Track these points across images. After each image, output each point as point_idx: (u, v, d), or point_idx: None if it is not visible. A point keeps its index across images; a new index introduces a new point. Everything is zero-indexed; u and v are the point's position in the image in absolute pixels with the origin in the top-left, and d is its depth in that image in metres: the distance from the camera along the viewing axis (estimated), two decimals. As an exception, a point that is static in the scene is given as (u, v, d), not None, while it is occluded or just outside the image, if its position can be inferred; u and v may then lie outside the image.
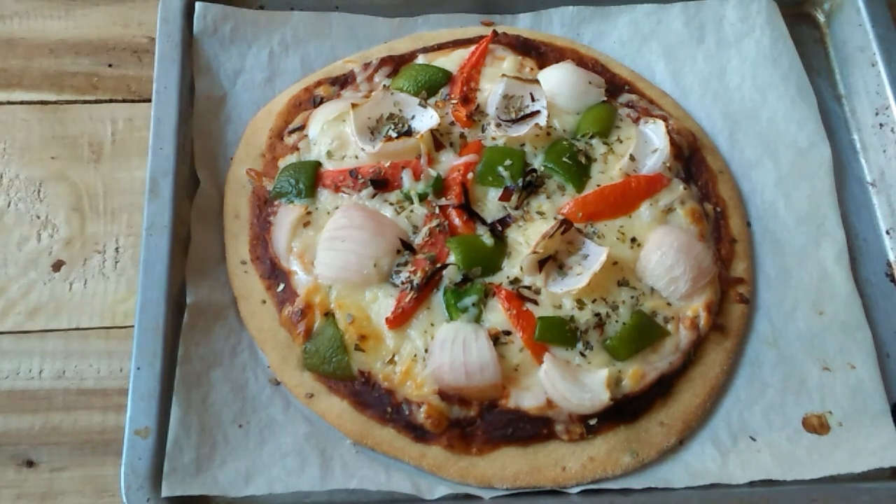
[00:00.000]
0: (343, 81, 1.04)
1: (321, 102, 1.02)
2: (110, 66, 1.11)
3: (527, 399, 0.87)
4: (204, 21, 1.06)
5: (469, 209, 0.93)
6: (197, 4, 1.06)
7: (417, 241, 0.92)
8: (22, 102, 1.08)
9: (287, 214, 0.94)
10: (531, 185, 0.95)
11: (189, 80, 1.02)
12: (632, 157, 0.98)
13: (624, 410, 0.88)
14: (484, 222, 0.93)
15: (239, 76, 1.06)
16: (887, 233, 1.04)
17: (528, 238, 0.92)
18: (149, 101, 0.99)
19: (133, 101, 1.09)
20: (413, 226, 0.93)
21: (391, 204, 0.94)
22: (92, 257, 1.00)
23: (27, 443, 0.91)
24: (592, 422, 0.87)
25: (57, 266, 0.99)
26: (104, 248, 1.01)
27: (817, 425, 0.91)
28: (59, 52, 1.11)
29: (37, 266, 0.99)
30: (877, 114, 1.09)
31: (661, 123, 1.00)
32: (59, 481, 0.90)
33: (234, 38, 1.07)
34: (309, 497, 0.86)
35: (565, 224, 0.90)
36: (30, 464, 0.91)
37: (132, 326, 0.88)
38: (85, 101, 1.09)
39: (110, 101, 1.09)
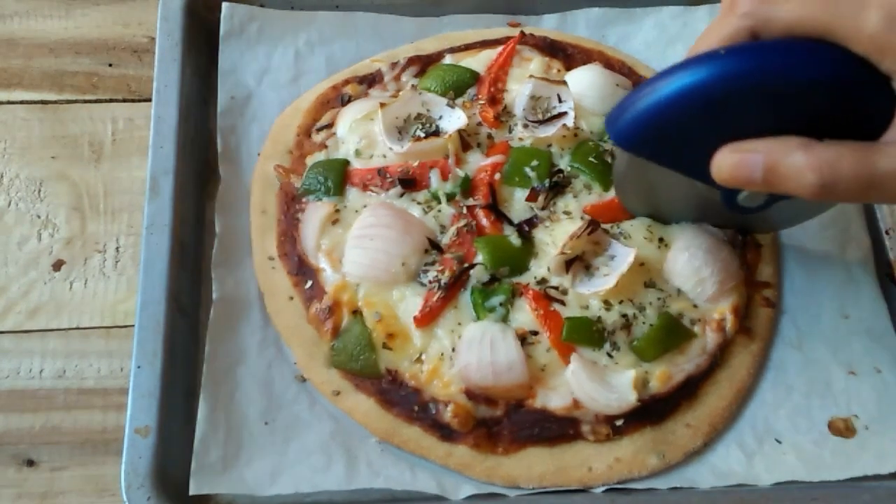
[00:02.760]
0: (370, 80, 1.04)
1: (349, 101, 1.02)
2: (110, 65, 1.11)
3: (553, 399, 0.87)
4: (231, 21, 1.07)
5: (496, 209, 0.94)
6: (224, 5, 1.06)
7: (445, 240, 0.92)
8: (22, 102, 1.09)
9: (316, 211, 0.95)
10: (558, 186, 0.95)
11: (189, 78, 1.02)
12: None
13: (650, 412, 0.88)
14: (511, 223, 0.93)
15: (265, 75, 1.07)
16: (887, 233, 1.04)
17: (555, 238, 0.92)
18: (149, 100, 0.99)
19: (133, 100, 1.09)
20: (440, 225, 0.93)
21: (419, 203, 0.94)
22: (92, 257, 1.00)
23: (27, 442, 0.92)
24: (619, 423, 0.87)
25: (57, 266, 1.00)
26: (104, 248, 1.01)
27: (843, 428, 0.91)
28: (59, 52, 1.12)
29: (37, 265, 1.00)
30: None
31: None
32: (60, 481, 0.90)
33: (260, 38, 1.07)
34: (309, 497, 0.86)
35: (592, 224, 0.90)
36: (30, 463, 0.91)
37: (132, 326, 0.88)
38: (85, 101, 1.09)
39: (110, 100, 1.09)
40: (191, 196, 0.98)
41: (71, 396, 0.94)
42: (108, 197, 1.04)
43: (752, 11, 0.70)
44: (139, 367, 0.86)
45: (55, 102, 1.09)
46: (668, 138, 0.76)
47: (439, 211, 0.94)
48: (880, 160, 0.65)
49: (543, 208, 0.95)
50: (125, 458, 0.83)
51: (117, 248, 1.01)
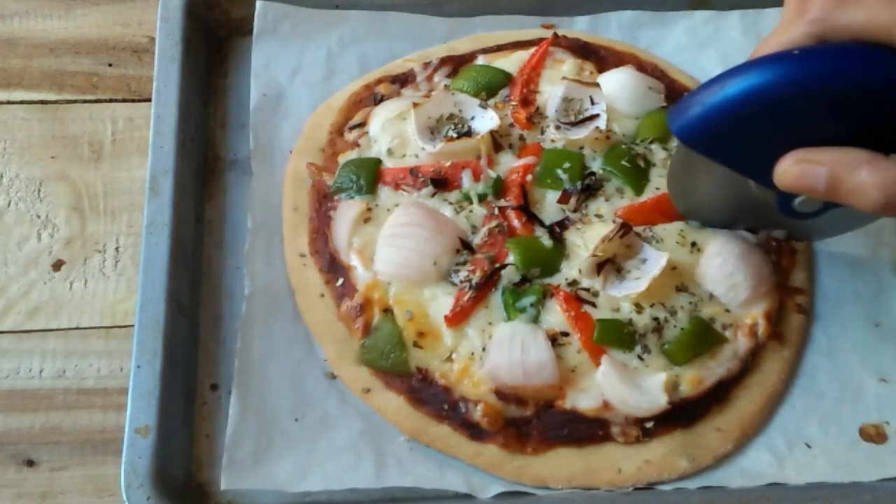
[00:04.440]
0: (403, 80, 1.05)
1: (382, 100, 1.02)
2: (110, 65, 1.12)
3: (583, 400, 0.87)
4: (264, 19, 1.07)
5: (528, 211, 0.94)
6: (258, 3, 1.07)
7: (476, 240, 0.93)
8: (22, 102, 1.09)
9: (348, 209, 0.95)
10: (590, 188, 0.95)
11: (189, 78, 1.02)
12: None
13: (680, 415, 0.88)
14: (542, 224, 0.94)
15: (297, 73, 1.07)
16: None
17: (586, 240, 0.92)
18: (149, 100, 0.99)
19: (133, 100, 1.09)
20: (472, 226, 0.93)
21: (450, 203, 0.94)
22: (92, 257, 1.01)
23: (27, 442, 0.92)
24: (649, 425, 0.87)
25: (57, 265, 1.00)
26: (104, 248, 1.01)
27: (874, 434, 0.91)
28: (59, 52, 1.12)
29: (37, 265, 1.00)
30: None
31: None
32: (60, 480, 0.91)
33: (292, 37, 1.08)
34: (309, 496, 0.86)
35: (624, 227, 0.90)
36: (30, 463, 0.91)
37: (132, 326, 0.89)
38: (85, 101, 1.09)
39: (110, 100, 1.10)
40: (190, 196, 0.98)
41: (71, 396, 0.94)
42: (107, 197, 1.04)
43: (821, 17, 0.70)
44: (139, 366, 0.86)
45: (55, 102, 1.09)
46: (731, 138, 0.76)
47: (471, 211, 0.94)
48: None
49: (575, 210, 0.95)
50: (125, 457, 0.83)
51: (117, 248, 1.01)
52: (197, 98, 1.04)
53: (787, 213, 0.84)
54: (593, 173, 0.96)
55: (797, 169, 0.71)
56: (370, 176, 0.96)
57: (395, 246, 0.91)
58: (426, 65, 1.05)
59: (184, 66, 1.01)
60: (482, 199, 0.94)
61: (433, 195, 0.94)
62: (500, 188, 0.95)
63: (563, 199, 0.95)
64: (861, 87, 0.68)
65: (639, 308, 0.89)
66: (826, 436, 0.91)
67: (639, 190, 0.96)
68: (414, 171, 0.95)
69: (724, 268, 0.91)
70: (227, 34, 1.11)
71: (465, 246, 0.92)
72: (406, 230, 0.91)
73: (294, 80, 1.07)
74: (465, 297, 0.89)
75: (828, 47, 0.70)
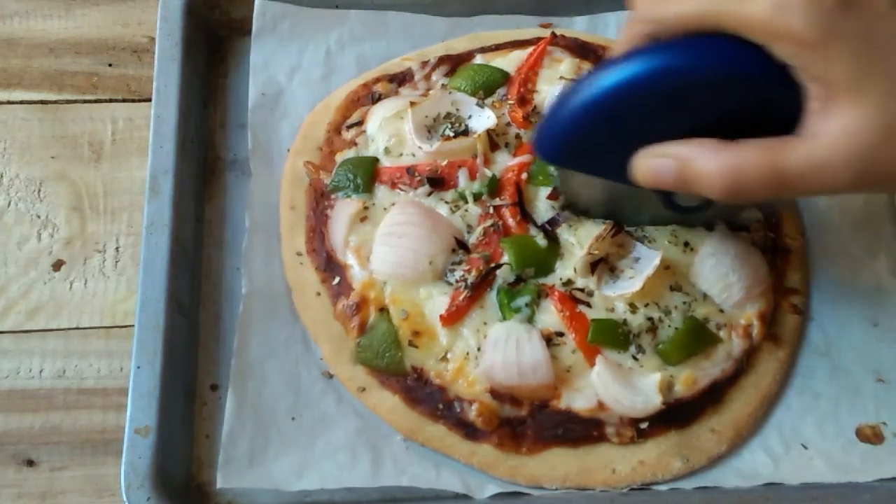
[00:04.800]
0: (401, 79, 1.04)
1: (379, 99, 1.02)
2: (110, 65, 1.12)
3: (578, 400, 0.87)
4: (263, 18, 1.07)
5: (522, 208, 0.94)
6: (257, 2, 1.07)
7: (472, 240, 0.93)
8: (22, 102, 1.09)
9: (345, 208, 0.95)
10: None
11: (189, 78, 1.02)
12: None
13: (675, 416, 0.88)
14: (535, 223, 0.94)
15: (296, 72, 1.07)
16: None
17: (580, 240, 0.92)
18: (149, 100, 0.99)
19: (133, 100, 1.10)
20: (467, 225, 0.93)
21: (446, 203, 0.94)
22: (92, 257, 1.01)
23: (27, 442, 0.92)
24: (643, 425, 0.87)
25: (57, 266, 1.00)
26: (104, 248, 1.01)
27: (871, 435, 0.91)
28: (59, 52, 1.12)
29: (37, 265, 1.00)
30: None
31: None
32: (60, 480, 0.91)
33: (291, 36, 1.08)
34: (309, 496, 0.87)
35: (616, 226, 0.90)
36: (30, 463, 0.91)
37: (132, 326, 0.89)
38: (85, 101, 1.09)
39: (110, 100, 1.10)
40: (191, 196, 0.98)
41: (71, 396, 0.94)
42: (107, 197, 1.04)
43: (644, 16, 0.69)
44: (139, 367, 0.87)
45: (55, 102, 1.09)
46: (587, 149, 0.77)
47: (466, 210, 0.94)
48: (788, 157, 0.64)
49: (564, 208, 0.94)
50: (125, 458, 0.84)
51: (117, 248, 1.01)
52: (197, 98, 1.05)
53: (673, 209, 0.84)
54: None
55: (647, 165, 0.72)
56: (367, 175, 0.96)
57: (390, 245, 0.91)
58: (424, 64, 1.05)
59: (184, 66, 1.02)
60: (477, 197, 0.94)
61: (429, 194, 0.94)
62: (495, 187, 0.95)
63: (553, 196, 0.95)
64: (694, 80, 0.68)
65: (633, 308, 0.89)
66: (822, 436, 0.90)
67: (634, 190, 0.95)
68: (411, 171, 0.95)
69: (718, 268, 0.91)
70: (227, 34, 1.11)
71: (461, 245, 0.92)
72: (402, 229, 0.91)
73: (293, 79, 1.07)
74: (461, 297, 0.89)
75: (660, 45, 0.69)
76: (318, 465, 0.86)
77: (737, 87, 0.68)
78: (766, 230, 0.97)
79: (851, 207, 1.02)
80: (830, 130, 0.63)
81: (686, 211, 0.85)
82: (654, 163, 0.71)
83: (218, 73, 1.09)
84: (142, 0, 1.15)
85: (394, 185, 0.95)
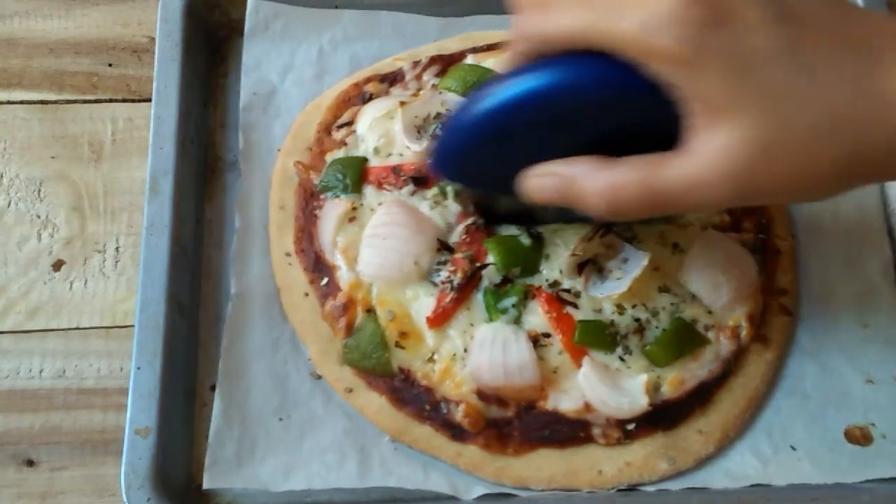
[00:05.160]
0: (392, 79, 1.04)
1: (370, 99, 1.02)
2: (110, 65, 1.12)
3: (565, 401, 0.87)
4: (256, 17, 1.07)
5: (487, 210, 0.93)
6: (249, 2, 1.07)
7: (454, 238, 0.92)
8: (22, 102, 1.09)
9: (333, 209, 0.95)
10: None
11: (189, 78, 1.02)
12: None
13: (662, 417, 0.88)
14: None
15: (288, 72, 1.07)
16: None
17: (565, 240, 0.91)
18: (149, 100, 0.99)
19: (133, 100, 1.10)
20: (447, 223, 0.93)
21: (426, 199, 0.94)
22: (92, 257, 1.01)
23: (27, 442, 0.92)
24: (630, 427, 0.87)
25: (57, 266, 1.00)
26: (104, 248, 1.02)
27: (860, 436, 0.90)
28: (59, 52, 1.12)
29: (37, 265, 1.01)
30: None
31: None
32: (60, 481, 0.91)
33: (284, 35, 1.08)
34: (310, 496, 0.87)
35: (604, 228, 0.90)
36: (30, 463, 0.91)
37: (132, 326, 0.89)
38: (85, 101, 1.09)
39: (110, 100, 1.10)
40: (190, 196, 0.98)
41: (71, 396, 0.95)
42: (108, 197, 1.04)
43: (524, 33, 0.69)
44: (139, 367, 0.87)
45: (55, 102, 1.09)
46: (478, 166, 0.77)
47: (446, 206, 0.93)
48: (665, 176, 0.64)
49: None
50: (125, 458, 0.84)
51: (117, 248, 1.02)
52: (197, 98, 1.05)
53: (577, 218, 0.84)
54: None
55: (533, 183, 0.72)
56: (356, 175, 0.96)
57: (374, 246, 0.91)
58: (415, 64, 1.05)
59: (184, 67, 1.02)
60: (458, 195, 0.93)
61: (413, 193, 0.94)
62: None
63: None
64: (572, 99, 0.67)
65: (620, 309, 0.89)
66: (811, 438, 0.90)
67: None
68: (396, 170, 0.95)
69: (707, 269, 0.90)
70: (227, 35, 1.11)
71: (444, 246, 0.92)
72: (386, 230, 0.91)
73: (285, 79, 1.07)
74: (447, 299, 0.89)
75: (538, 65, 0.68)
76: (306, 465, 0.86)
77: (617, 104, 0.67)
78: (756, 231, 0.97)
79: (843, 209, 1.02)
80: (706, 149, 0.62)
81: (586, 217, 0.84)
82: (540, 182, 0.71)
83: (218, 73, 1.09)
84: (142, 0, 1.15)
85: (380, 185, 0.95)
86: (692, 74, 0.60)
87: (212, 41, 1.10)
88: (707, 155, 0.62)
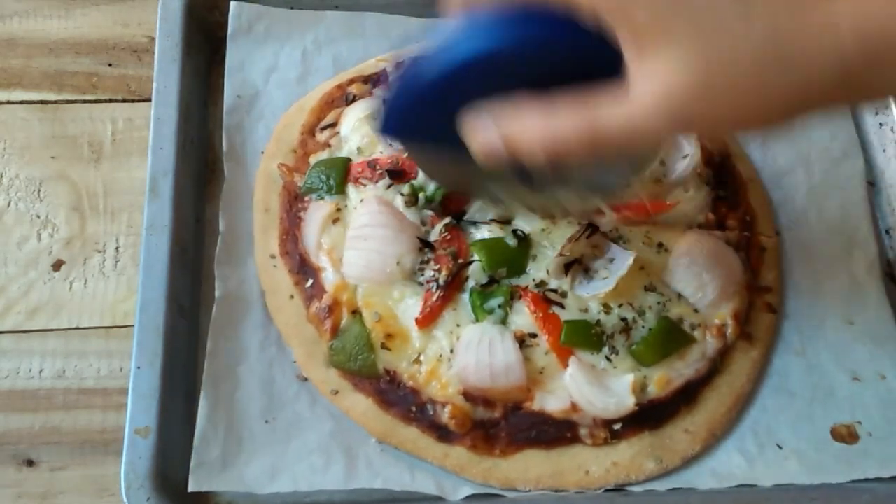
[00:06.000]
0: (376, 80, 1.04)
1: (354, 100, 1.02)
2: (110, 65, 1.12)
3: (551, 402, 0.87)
4: (238, 20, 1.07)
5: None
6: (231, 4, 1.07)
7: (434, 237, 0.92)
8: (22, 102, 1.09)
9: (317, 210, 0.95)
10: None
11: (189, 79, 1.02)
12: (662, 162, 0.97)
13: (649, 416, 0.88)
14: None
15: (272, 74, 1.07)
16: (887, 232, 1.04)
17: (552, 241, 0.91)
18: (149, 100, 0.99)
19: (133, 100, 1.09)
20: (421, 221, 0.93)
21: (402, 195, 0.93)
22: (92, 257, 1.01)
23: (27, 442, 0.92)
24: (617, 427, 0.87)
25: (57, 266, 1.00)
26: (104, 248, 1.01)
27: (846, 435, 0.90)
28: (59, 52, 1.12)
29: (37, 265, 1.00)
30: (876, 113, 1.08)
31: (692, 129, 0.99)
32: (60, 481, 0.91)
33: (267, 37, 1.08)
34: (308, 497, 0.86)
35: (591, 228, 0.90)
36: (30, 463, 0.91)
37: (132, 326, 0.89)
38: (85, 101, 1.09)
39: (110, 100, 1.10)
40: (190, 197, 0.98)
41: (71, 396, 0.94)
42: (107, 197, 1.04)
43: None
44: (139, 367, 0.86)
45: (55, 102, 1.09)
46: (424, 126, 0.75)
47: (421, 203, 0.93)
48: (604, 114, 0.61)
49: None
50: (125, 458, 0.83)
51: (117, 248, 1.01)
52: (197, 99, 1.05)
53: (532, 186, 0.82)
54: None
55: (477, 137, 0.69)
56: (340, 176, 0.96)
57: (357, 248, 0.91)
58: (399, 64, 1.04)
59: (184, 67, 1.01)
60: (428, 200, 0.93)
61: (389, 186, 0.94)
62: None
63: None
64: (511, 52, 0.66)
65: (607, 309, 0.89)
66: (797, 436, 0.90)
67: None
68: (372, 164, 0.95)
69: (692, 268, 0.91)
70: (227, 35, 1.10)
71: (426, 244, 0.91)
72: (368, 231, 0.91)
73: (269, 81, 1.06)
74: (434, 298, 0.89)
75: (469, 23, 0.67)
76: (292, 467, 0.86)
77: (557, 50, 0.65)
78: (741, 228, 0.97)
79: (828, 206, 1.02)
80: (644, 80, 0.60)
81: (545, 186, 0.82)
82: (482, 134, 0.68)
83: (218, 73, 1.08)
84: (142, 0, 1.15)
85: (356, 181, 0.95)
86: (621, 6, 0.59)
87: (212, 41, 1.09)
88: (644, 87, 0.60)
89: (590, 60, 0.64)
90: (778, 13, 0.57)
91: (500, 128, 0.67)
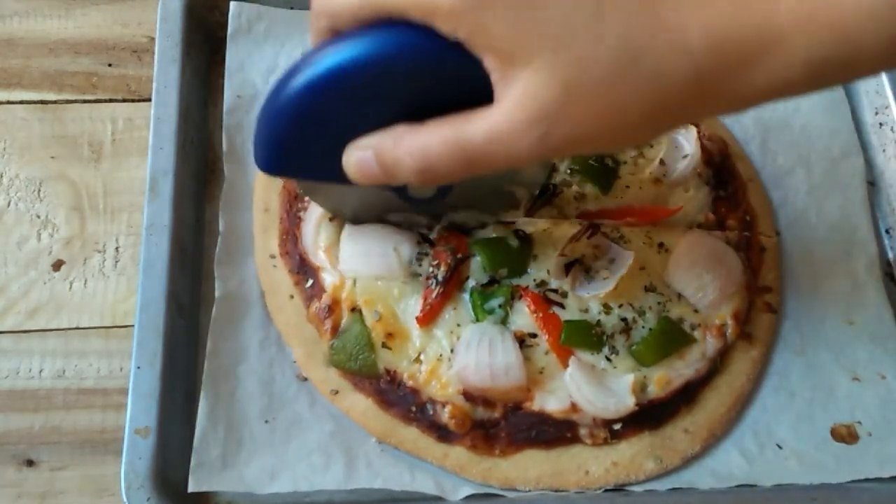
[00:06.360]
0: (375, 80, 1.04)
1: (353, 99, 1.02)
2: (110, 65, 1.12)
3: (551, 402, 0.87)
4: (238, 20, 1.07)
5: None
6: (231, 4, 1.07)
7: (433, 235, 0.92)
8: (22, 102, 1.09)
9: (317, 209, 0.94)
10: (543, 195, 0.94)
11: (189, 79, 1.02)
12: (661, 162, 0.97)
13: (649, 416, 0.88)
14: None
15: (272, 74, 1.06)
16: (887, 232, 1.04)
17: (553, 241, 0.92)
18: (149, 100, 0.99)
19: (133, 100, 1.09)
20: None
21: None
22: (92, 257, 1.01)
23: (27, 442, 0.92)
24: (617, 427, 0.87)
25: (57, 265, 1.00)
26: (104, 248, 1.01)
27: (846, 435, 0.90)
28: (59, 52, 1.12)
29: (37, 265, 1.00)
30: (876, 113, 1.08)
31: (692, 129, 0.99)
32: (59, 481, 0.90)
33: (267, 38, 1.08)
34: (308, 497, 0.86)
35: (592, 228, 0.90)
36: (30, 463, 0.91)
37: (132, 326, 0.88)
38: (85, 101, 1.09)
39: (110, 100, 1.10)
40: (190, 197, 0.98)
41: (71, 396, 0.94)
42: (107, 197, 1.04)
43: (320, 9, 0.67)
44: (139, 367, 0.86)
45: (55, 102, 1.09)
46: (301, 158, 0.75)
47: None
48: (471, 130, 0.62)
49: (526, 214, 0.94)
50: (125, 458, 0.83)
51: (117, 248, 1.01)
52: (197, 99, 1.04)
53: (413, 204, 0.83)
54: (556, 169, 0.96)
55: (353, 160, 0.70)
56: (339, 175, 0.95)
57: (355, 240, 0.91)
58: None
59: (184, 67, 1.01)
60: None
61: None
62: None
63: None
64: (373, 71, 0.66)
65: (607, 309, 0.89)
66: (797, 436, 0.90)
67: (606, 189, 0.96)
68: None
69: (692, 268, 0.91)
70: (227, 35, 1.10)
71: (425, 239, 0.91)
72: (365, 225, 0.92)
73: (269, 81, 1.06)
74: (434, 295, 0.89)
75: (336, 40, 0.67)
76: (291, 467, 0.86)
77: (422, 70, 0.65)
78: (741, 229, 0.97)
79: (828, 206, 1.02)
80: (508, 98, 0.61)
81: (421, 202, 0.83)
82: (358, 156, 0.69)
83: (218, 73, 1.08)
84: (142, 0, 1.15)
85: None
86: (477, 25, 0.60)
87: (212, 41, 1.09)
88: (508, 104, 0.61)
89: (463, 84, 0.63)
90: (630, 17, 0.58)
91: (373, 146, 0.68)
